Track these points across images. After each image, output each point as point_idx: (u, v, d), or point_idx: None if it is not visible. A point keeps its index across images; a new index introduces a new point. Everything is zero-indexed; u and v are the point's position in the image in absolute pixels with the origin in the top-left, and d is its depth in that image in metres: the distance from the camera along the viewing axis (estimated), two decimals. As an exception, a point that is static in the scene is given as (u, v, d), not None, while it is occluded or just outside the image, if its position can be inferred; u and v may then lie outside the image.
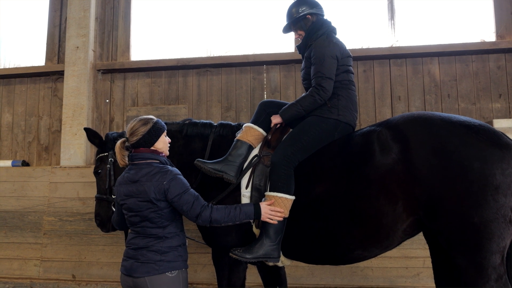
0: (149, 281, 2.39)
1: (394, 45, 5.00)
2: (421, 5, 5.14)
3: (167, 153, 2.67)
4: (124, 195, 2.52)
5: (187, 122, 3.35)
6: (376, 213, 2.61)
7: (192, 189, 2.52)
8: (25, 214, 5.02)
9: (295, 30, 3.26)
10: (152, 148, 2.55)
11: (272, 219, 2.65)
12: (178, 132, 3.29)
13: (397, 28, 5.11)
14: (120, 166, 2.63)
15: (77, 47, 5.26)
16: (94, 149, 5.29)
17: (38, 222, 4.97)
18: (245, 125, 3.14)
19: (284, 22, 3.30)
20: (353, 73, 3.14)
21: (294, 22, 3.20)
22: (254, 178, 2.92)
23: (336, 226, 2.71)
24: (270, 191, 2.80)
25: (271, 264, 2.92)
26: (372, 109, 4.99)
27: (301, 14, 3.16)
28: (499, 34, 4.89)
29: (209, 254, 4.70)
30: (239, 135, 3.08)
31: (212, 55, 5.30)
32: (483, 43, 4.86)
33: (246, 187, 2.92)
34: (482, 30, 5.03)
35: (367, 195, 2.63)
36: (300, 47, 3.27)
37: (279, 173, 2.80)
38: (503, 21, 4.90)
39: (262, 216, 2.62)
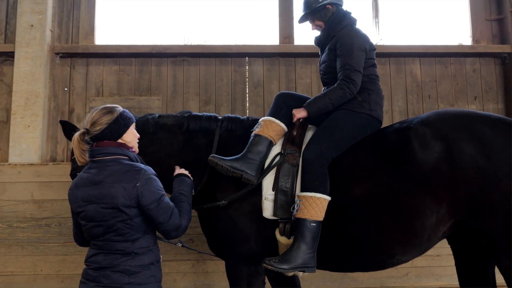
0: None
1: (378, 44, 4.95)
2: (404, 5, 5.16)
3: (137, 149, 2.24)
4: (82, 200, 2.03)
5: (186, 115, 3.01)
6: (420, 214, 2.46)
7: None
8: (-37, 220, 4.20)
9: (313, 21, 3.06)
10: (119, 141, 2.11)
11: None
12: (177, 127, 2.92)
13: (381, 27, 5.07)
14: (79, 164, 2.10)
15: (32, 25, 4.51)
16: (51, 144, 4.61)
17: (-20, 230, 4.19)
18: (263, 119, 2.84)
19: (299, 13, 3.09)
20: (377, 68, 3.00)
21: (313, 12, 2.99)
22: (279, 179, 2.63)
23: (377, 230, 2.51)
24: (303, 191, 2.52)
25: (300, 274, 2.63)
26: (356, 107, 4.89)
27: (321, 3, 2.96)
28: (475, 39, 5.04)
29: (190, 261, 4.31)
30: (257, 130, 2.76)
31: (190, 44, 4.86)
32: (461, 46, 4.98)
33: (273, 189, 2.61)
34: (460, 33, 5.16)
35: (411, 196, 2.47)
36: (320, 39, 3.06)
37: (314, 171, 2.53)
38: (478, 27, 5.05)
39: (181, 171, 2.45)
